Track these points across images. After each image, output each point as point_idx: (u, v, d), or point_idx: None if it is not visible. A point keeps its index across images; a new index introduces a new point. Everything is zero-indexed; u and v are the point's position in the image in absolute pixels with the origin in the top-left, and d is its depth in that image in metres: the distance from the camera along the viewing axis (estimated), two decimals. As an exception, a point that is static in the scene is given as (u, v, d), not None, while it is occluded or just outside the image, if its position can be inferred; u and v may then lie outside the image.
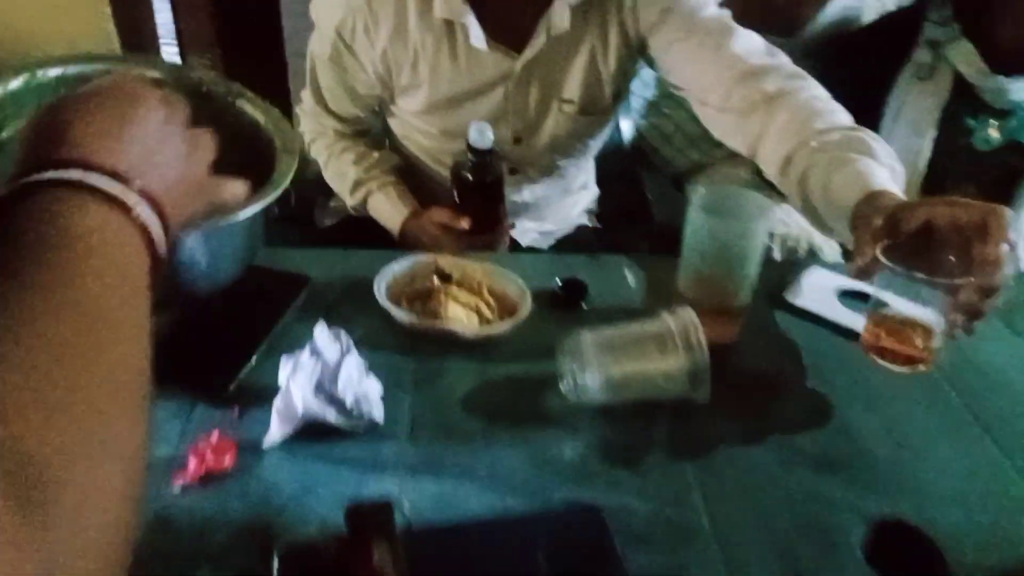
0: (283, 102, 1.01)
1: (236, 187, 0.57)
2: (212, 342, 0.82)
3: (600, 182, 1.44)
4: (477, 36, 1.09)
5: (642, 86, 1.47)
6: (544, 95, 1.17)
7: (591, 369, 0.75)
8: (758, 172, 1.05)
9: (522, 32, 1.11)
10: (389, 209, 1.24)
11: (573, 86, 1.16)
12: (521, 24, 1.11)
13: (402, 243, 1.23)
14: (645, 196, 1.46)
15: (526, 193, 1.30)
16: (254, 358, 0.80)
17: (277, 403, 0.71)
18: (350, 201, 1.28)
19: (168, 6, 2.04)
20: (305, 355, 0.73)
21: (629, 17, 1.12)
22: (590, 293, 0.94)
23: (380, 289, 0.87)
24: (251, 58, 2.03)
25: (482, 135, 1.05)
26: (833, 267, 1.05)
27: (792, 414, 0.81)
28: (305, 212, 1.43)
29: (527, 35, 1.11)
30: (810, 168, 0.91)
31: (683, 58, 1.09)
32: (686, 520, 0.67)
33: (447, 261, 0.93)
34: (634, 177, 1.50)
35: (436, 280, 0.90)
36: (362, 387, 0.72)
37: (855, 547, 0.64)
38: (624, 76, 1.19)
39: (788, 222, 1.18)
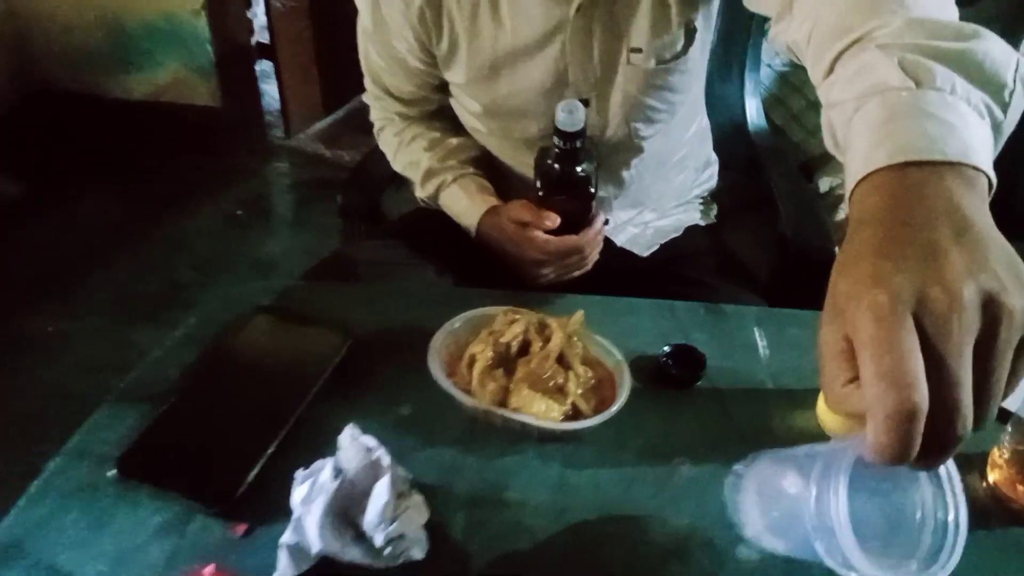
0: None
1: None
2: (215, 430, 0.65)
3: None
4: None
5: (771, 53, 1.22)
6: (609, 45, 0.95)
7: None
8: None
9: None
10: (465, 204, 1.07)
11: (641, 29, 0.93)
12: None
13: (480, 245, 1.05)
14: (769, 190, 1.21)
15: (609, 183, 1.08)
16: (268, 452, 0.63)
17: (286, 537, 0.54)
18: (420, 192, 1.11)
19: None
20: (326, 474, 0.55)
21: None
22: (708, 365, 0.74)
23: (436, 360, 0.68)
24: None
25: (572, 115, 0.85)
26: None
27: None
28: (372, 202, 1.26)
29: None
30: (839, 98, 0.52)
31: None
32: None
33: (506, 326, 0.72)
34: (757, 166, 1.25)
35: (514, 344, 0.70)
36: (399, 521, 0.54)
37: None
38: (693, 6, 0.93)
39: None
